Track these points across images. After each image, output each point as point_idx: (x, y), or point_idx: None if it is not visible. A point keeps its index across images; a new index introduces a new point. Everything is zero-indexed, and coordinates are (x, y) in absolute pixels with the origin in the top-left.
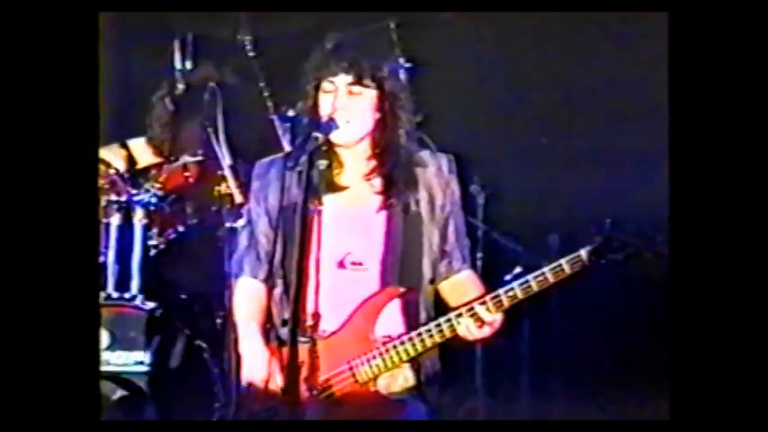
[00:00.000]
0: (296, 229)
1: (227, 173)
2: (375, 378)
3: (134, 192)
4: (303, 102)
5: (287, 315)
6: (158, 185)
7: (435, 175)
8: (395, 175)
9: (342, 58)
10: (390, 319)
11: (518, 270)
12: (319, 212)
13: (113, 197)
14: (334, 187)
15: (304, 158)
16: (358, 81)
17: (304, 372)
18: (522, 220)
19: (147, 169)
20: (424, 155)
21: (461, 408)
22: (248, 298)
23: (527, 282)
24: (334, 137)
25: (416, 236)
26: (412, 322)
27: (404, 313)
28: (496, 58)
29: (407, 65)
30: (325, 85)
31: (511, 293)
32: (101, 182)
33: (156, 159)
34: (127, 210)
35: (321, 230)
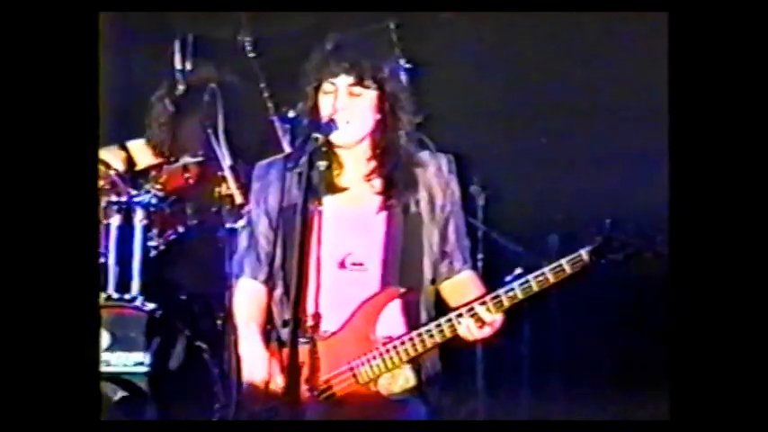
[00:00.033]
0: (296, 230)
1: (228, 174)
2: (376, 378)
3: (134, 193)
4: (303, 103)
5: (287, 316)
6: (158, 186)
7: (435, 176)
8: (395, 175)
9: (342, 59)
10: (391, 319)
11: (518, 271)
12: (319, 213)
13: (113, 198)
14: (334, 188)
15: (304, 159)
16: (358, 82)
17: (304, 372)
18: (522, 221)
19: (147, 170)
20: (424, 155)
21: (462, 408)
22: (248, 299)
23: (527, 282)
24: (335, 138)
25: (417, 236)
26: (412, 323)
27: (404, 314)
28: (496, 58)
29: (408, 65)
30: (325, 85)
31: (511, 294)
32: (101, 183)
33: (156, 160)
34: (127, 211)
35: (321, 231)
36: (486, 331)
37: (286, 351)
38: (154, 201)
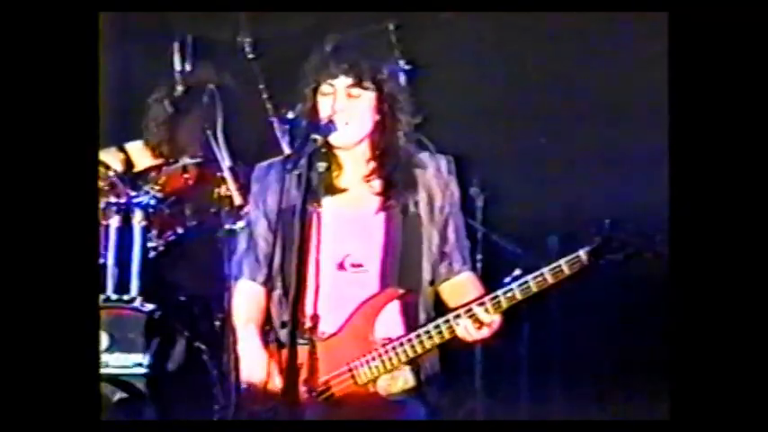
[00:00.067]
0: (295, 232)
1: (227, 175)
2: (375, 379)
3: (133, 194)
4: (302, 104)
5: (286, 317)
6: (157, 187)
7: (434, 177)
8: (394, 176)
9: (341, 61)
10: (390, 320)
11: (517, 272)
12: (318, 215)
13: (112, 199)
14: (333, 189)
15: (303, 161)
16: (357, 83)
17: (303, 373)
18: (521, 222)
19: (146, 171)
20: (424, 156)
21: (461, 408)
22: (247, 300)
23: (526, 282)
24: (334, 139)
25: (416, 237)
26: (411, 324)
27: (403, 315)
28: (496, 58)
29: (407, 66)
30: (324, 87)
31: (509, 294)
32: (100, 184)
33: (154, 162)
34: (126, 212)
35: (320, 232)
36: (485, 332)
37: (285, 352)
38: (153, 202)
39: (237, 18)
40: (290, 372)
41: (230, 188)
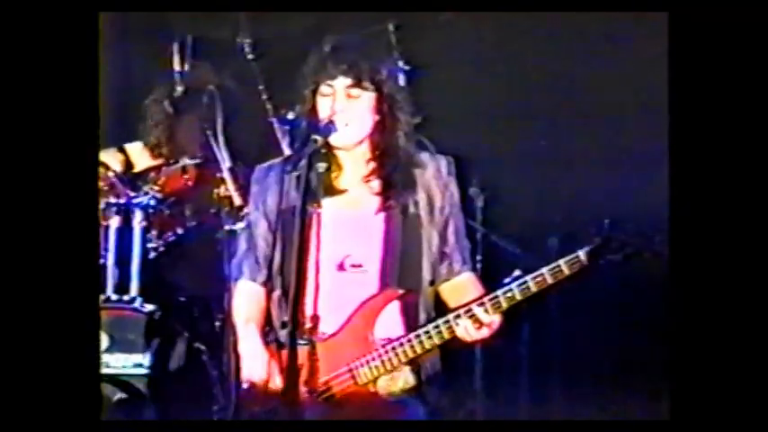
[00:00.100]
0: (295, 232)
1: (227, 175)
2: (375, 380)
3: (133, 194)
4: (301, 105)
5: (286, 317)
6: (157, 188)
7: (434, 177)
8: (394, 177)
9: (340, 61)
10: (390, 320)
11: (517, 272)
12: (318, 215)
13: (112, 200)
14: (332, 190)
15: (303, 162)
16: (357, 84)
17: (303, 374)
18: (521, 223)
19: (145, 172)
20: (423, 157)
21: (461, 409)
22: (247, 301)
23: (525, 283)
24: (333, 140)
25: (415, 238)
26: (411, 324)
27: (403, 315)
28: (496, 58)
29: (406, 67)
30: (323, 88)
31: (509, 294)
32: (100, 184)
33: (154, 162)
34: (126, 212)
35: (320, 233)
36: (484, 332)
37: (285, 353)
38: (153, 202)
39: (237, 18)
40: (290, 372)
41: (230, 189)
